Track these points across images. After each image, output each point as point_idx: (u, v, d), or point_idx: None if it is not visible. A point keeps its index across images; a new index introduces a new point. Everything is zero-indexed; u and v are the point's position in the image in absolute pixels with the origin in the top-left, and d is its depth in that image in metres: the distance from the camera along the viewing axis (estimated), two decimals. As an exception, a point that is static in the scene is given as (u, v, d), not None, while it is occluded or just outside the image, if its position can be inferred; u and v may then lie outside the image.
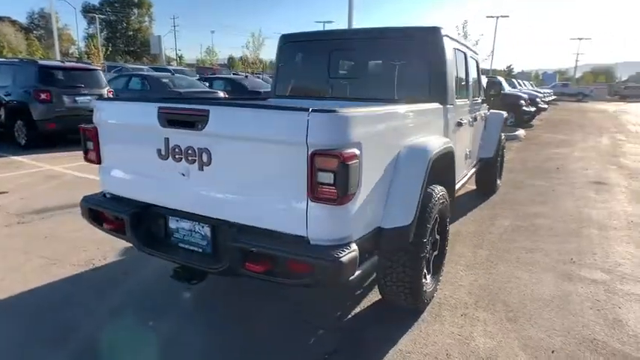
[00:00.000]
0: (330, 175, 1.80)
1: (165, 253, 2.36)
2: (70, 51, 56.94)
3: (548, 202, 5.72)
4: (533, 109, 15.10)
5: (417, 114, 2.77)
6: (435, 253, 3.00)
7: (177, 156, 2.21)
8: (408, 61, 3.55)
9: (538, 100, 16.68)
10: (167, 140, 2.23)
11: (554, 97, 28.84)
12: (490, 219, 4.97)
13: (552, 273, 3.57)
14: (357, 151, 1.87)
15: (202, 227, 2.25)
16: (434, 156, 2.56)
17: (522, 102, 13.99)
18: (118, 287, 3.20)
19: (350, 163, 1.81)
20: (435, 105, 3.20)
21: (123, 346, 2.54)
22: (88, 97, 9.02)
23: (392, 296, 2.72)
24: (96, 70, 9.64)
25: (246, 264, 1.99)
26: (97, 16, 51.87)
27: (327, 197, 1.84)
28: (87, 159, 2.70)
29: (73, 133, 9.46)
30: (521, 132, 12.55)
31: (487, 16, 39.80)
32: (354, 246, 1.96)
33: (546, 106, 19.28)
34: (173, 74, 14.50)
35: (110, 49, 42.06)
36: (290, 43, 4.03)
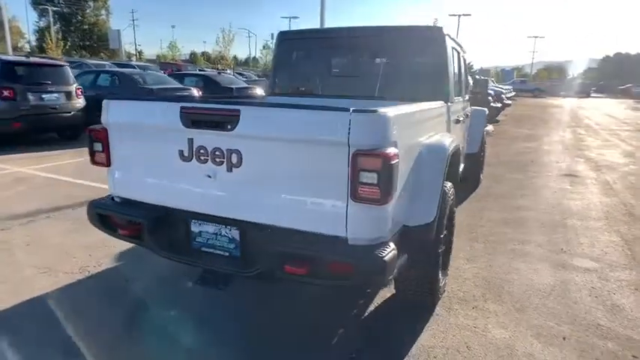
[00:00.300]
0: (374, 176, 1.80)
1: (187, 258, 2.29)
2: (20, 44, 53.65)
3: (529, 195, 5.96)
4: (499, 104, 15.68)
5: (431, 112, 2.81)
6: (444, 247, 3.06)
7: (202, 157, 2.14)
8: (410, 60, 3.59)
9: (503, 96, 17.34)
10: (191, 141, 2.15)
11: (513, 93, 30.00)
12: (479, 212, 5.13)
13: (547, 263, 3.73)
14: (397, 150, 1.88)
15: (229, 230, 2.19)
16: (450, 153, 2.61)
17: (490, 98, 14.48)
18: (121, 295, 3.07)
19: (393, 162, 1.81)
20: (441, 103, 3.26)
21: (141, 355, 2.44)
22: (55, 95, 8.58)
23: (410, 293, 2.76)
24: (63, 66, 9.16)
25: (285, 267, 1.96)
26: (49, 8, 49.13)
27: (370, 197, 1.83)
28: (94, 161, 2.56)
29: (39, 133, 8.99)
30: (490, 127, 12.96)
31: (450, 15, 40.98)
32: (392, 245, 1.97)
33: (510, 102, 20.05)
34: (145, 70, 13.97)
35: (69, 43, 39.94)
36: (288, 40, 3.98)
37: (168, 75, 14.16)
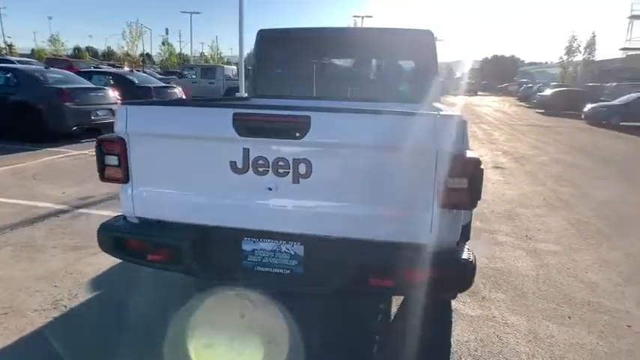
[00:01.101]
0: (464, 181, 1.80)
1: (239, 281, 2.06)
2: None
3: (474, 187, 6.46)
4: (413, 103, 16.73)
5: None
6: None
7: (260, 169, 1.93)
8: (401, 62, 3.65)
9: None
10: (246, 151, 1.93)
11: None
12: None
13: (521, 250, 4.08)
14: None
15: (292, 246, 2.02)
16: None
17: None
18: (124, 329, 2.65)
19: (482, 166, 1.83)
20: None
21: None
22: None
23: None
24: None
25: (370, 280, 1.87)
26: None
27: (458, 202, 1.83)
28: (104, 178, 2.16)
29: None
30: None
31: (354, 16, 42.61)
32: (467, 246, 1.99)
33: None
34: (48, 68, 12.20)
35: None
36: (270, 39, 3.79)
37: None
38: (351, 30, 3.79)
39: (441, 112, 1.82)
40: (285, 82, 3.88)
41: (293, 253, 2.03)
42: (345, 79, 3.86)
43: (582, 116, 19.14)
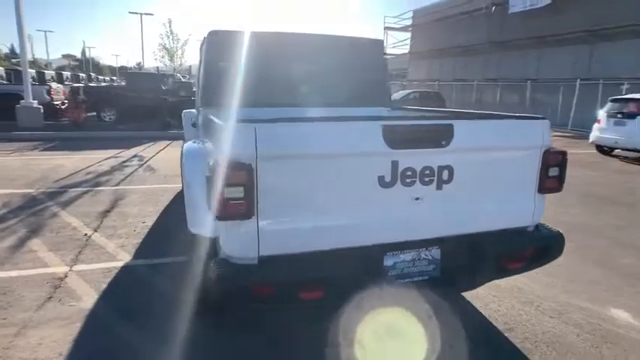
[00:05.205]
0: (557, 169, 2.23)
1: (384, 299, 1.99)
2: None
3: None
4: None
5: None
6: None
7: (408, 180, 1.92)
8: (355, 68, 3.84)
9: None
10: (395, 164, 1.88)
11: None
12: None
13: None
14: None
15: (430, 252, 2.07)
16: None
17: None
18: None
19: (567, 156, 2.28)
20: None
21: None
22: None
23: None
24: None
25: (508, 266, 2.11)
26: None
27: (553, 187, 2.25)
28: (221, 215, 1.69)
29: None
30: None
31: (130, 12, 38.88)
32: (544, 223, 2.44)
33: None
34: None
35: None
36: (222, 43, 3.43)
37: None
38: (312, 36, 3.69)
39: (540, 116, 2.22)
40: (242, 89, 3.53)
41: (431, 257, 2.09)
42: (302, 84, 3.77)
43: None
